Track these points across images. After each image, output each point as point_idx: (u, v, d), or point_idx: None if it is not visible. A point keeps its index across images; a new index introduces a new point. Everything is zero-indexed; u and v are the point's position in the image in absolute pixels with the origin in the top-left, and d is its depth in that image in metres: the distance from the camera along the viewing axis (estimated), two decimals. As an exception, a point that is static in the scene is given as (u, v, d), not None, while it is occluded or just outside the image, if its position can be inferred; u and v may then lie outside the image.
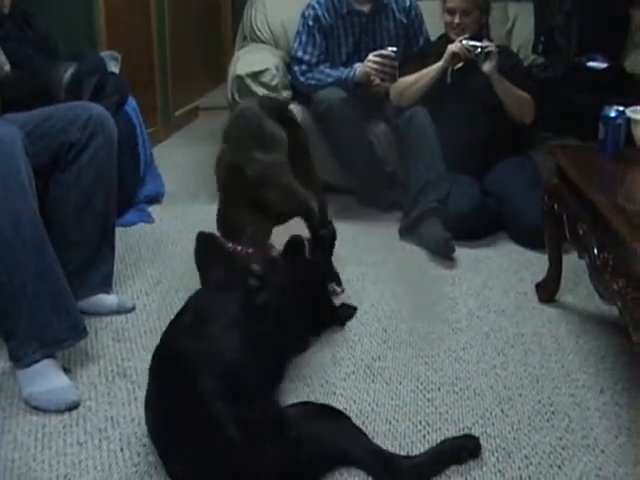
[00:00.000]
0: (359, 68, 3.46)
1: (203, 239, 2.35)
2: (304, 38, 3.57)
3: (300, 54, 3.56)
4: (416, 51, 3.63)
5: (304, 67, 3.56)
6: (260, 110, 2.57)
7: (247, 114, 2.58)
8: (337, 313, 2.55)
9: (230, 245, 2.30)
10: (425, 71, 3.34)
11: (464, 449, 1.86)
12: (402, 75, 3.42)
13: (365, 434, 1.85)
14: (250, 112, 2.58)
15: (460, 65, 3.33)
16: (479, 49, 3.22)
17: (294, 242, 2.44)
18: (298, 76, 3.56)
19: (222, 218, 2.41)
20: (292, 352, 2.28)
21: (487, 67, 3.23)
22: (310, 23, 3.55)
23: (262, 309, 1.77)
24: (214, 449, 1.64)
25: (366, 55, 3.48)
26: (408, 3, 3.67)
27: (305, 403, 1.99)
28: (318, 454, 1.73)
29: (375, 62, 3.41)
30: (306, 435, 1.70)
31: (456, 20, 3.33)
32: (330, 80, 3.49)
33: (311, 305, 2.39)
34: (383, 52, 3.42)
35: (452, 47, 3.27)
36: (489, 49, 3.22)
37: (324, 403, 2.01)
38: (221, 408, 1.67)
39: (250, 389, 1.74)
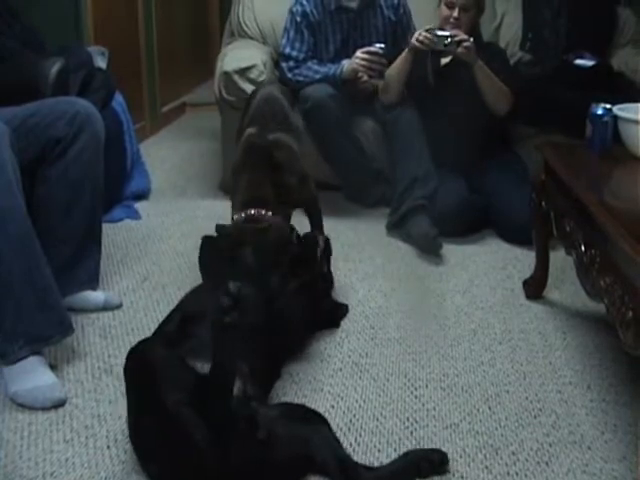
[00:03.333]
0: (346, 65, 3.45)
1: (207, 242, 2.35)
2: (292, 34, 3.56)
3: (288, 50, 3.56)
4: (405, 46, 3.62)
5: (292, 63, 3.55)
6: (282, 96, 2.62)
7: (271, 99, 2.66)
8: (336, 314, 2.55)
9: (253, 212, 2.32)
10: (396, 62, 3.32)
11: (427, 462, 1.80)
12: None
13: (337, 439, 1.80)
14: (273, 97, 2.67)
15: (447, 61, 3.32)
16: (448, 39, 3.16)
17: (309, 238, 2.45)
18: (286, 72, 3.56)
19: (246, 189, 2.41)
20: (286, 352, 2.26)
21: (462, 52, 3.16)
22: (298, 19, 3.55)
23: (230, 328, 1.76)
24: (182, 451, 1.63)
25: (354, 52, 3.46)
26: (397, 0, 3.67)
27: (284, 404, 1.97)
28: (286, 457, 1.71)
29: (363, 59, 3.39)
30: (276, 437, 1.68)
31: (454, 14, 3.27)
32: (318, 77, 3.48)
33: (312, 306, 2.39)
34: (371, 49, 3.40)
35: (414, 41, 3.21)
36: (460, 37, 3.16)
37: (302, 404, 1.98)
38: (187, 411, 1.65)
39: (222, 391, 1.72)
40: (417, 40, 3.20)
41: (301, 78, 3.51)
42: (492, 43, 3.70)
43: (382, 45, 3.42)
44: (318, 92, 3.41)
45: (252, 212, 2.33)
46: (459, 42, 3.16)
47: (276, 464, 1.69)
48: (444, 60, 3.35)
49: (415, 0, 3.76)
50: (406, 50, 3.27)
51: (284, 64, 3.57)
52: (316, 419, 1.83)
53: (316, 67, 3.52)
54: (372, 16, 3.63)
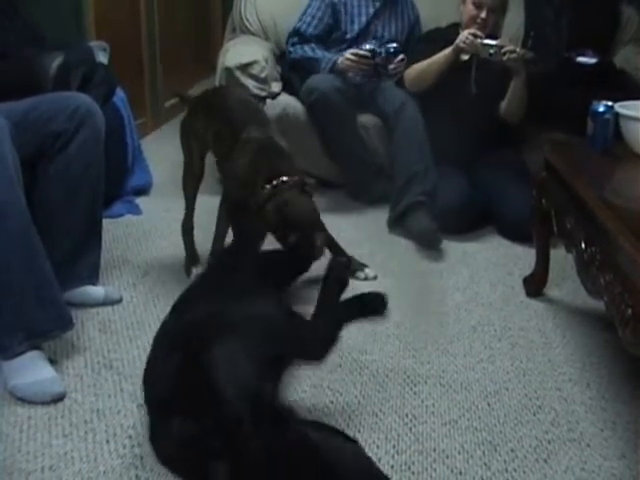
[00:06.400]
0: (339, 61, 3.49)
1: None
2: (309, 11, 3.66)
3: (298, 25, 3.65)
4: (424, 36, 3.63)
5: (296, 38, 3.64)
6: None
7: (244, 96, 2.84)
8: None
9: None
10: (436, 57, 3.31)
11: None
12: (412, 61, 3.42)
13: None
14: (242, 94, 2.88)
15: (467, 58, 3.32)
16: (493, 49, 3.16)
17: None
18: (289, 47, 3.66)
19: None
20: None
21: (509, 62, 3.18)
22: (322, 2, 3.65)
23: None
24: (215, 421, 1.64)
25: (375, 37, 3.61)
26: (413, 18, 3.81)
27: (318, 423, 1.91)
28: (310, 458, 1.63)
29: (350, 60, 3.44)
30: (304, 436, 1.64)
31: (482, 15, 3.27)
32: (311, 55, 3.55)
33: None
34: (359, 52, 3.45)
35: (460, 43, 3.21)
36: (507, 48, 3.17)
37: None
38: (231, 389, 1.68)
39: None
40: (463, 42, 3.19)
41: (297, 55, 3.61)
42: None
43: (394, 45, 3.48)
44: (324, 83, 3.41)
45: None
46: (504, 53, 3.16)
47: (294, 462, 1.61)
48: (464, 57, 3.34)
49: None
50: (450, 49, 3.25)
51: (290, 39, 3.67)
52: (346, 437, 1.76)
53: (314, 49, 3.59)
54: (393, 12, 3.73)
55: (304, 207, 2.41)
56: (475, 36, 3.18)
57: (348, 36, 3.65)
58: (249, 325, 1.88)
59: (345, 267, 2.13)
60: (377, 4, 3.68)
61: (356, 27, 3.65)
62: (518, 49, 3.23)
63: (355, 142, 3.54)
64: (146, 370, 1.96)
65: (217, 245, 2.66)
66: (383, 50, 3.45)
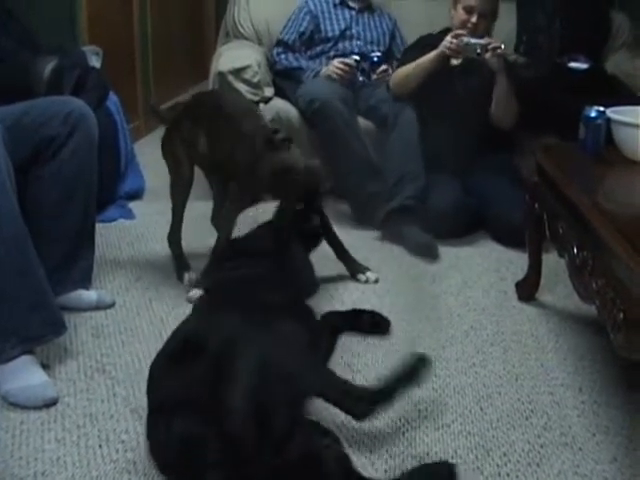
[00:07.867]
0: (323, 70, 3.58)
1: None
2: (290, 23, 3.78)
3: (281, 36, 3.77)
4: (416, 42, 3.62)
5: (280, 49, 3.74)
6: None
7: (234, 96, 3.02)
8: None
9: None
10: (420, 60, 3.29)
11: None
12: (402, 65, 3.42)
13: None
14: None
15: (457, 63, 3.32)
16: (479, 48, 3.15)
17: None
18: (274, 57, 3.76)
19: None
20: None
21: (494, 63, 3.19)
22: (300, 12, 3.79)
23: None
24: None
25: (358, 37, 3.73)
26: (391, 26, 3.91)
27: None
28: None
29: (338, 68, 3.52)
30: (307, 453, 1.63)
31: (473, 20, 3.27)
32: (295, 65, 3.68)
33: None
34: (346, 60, 3.55)
35: (445, 49, 3.19)
36: (493, 45, 3.16)
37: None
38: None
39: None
40: (448, 48, 3.18)
41: (283, 66, 3.71)
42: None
43: (378, 54, 3.64)
44: (324, 91, 3.39)
45: None
46: (492, 50, 3.16)
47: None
48: (455, 62, 3.34)
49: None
50: (435, 52, 3.24)
51: (274, 50, 3.77)
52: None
53: (298, 58, 3.72)
54: (370, 19, 3.85)
55: (290, 152, 2.50)
56: (458, 36, 3.18)
57: (330, 35, 3.76)
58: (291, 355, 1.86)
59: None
60: (353, 12, 3.81)
61: (336, 28, 3.77)
62: (502, 45, 3.21)
63: (361, 146, 3.43)
64: (153, 373, 1.91)
65: (218, 250, 2.63)
66: (367, 59, 3.60)
